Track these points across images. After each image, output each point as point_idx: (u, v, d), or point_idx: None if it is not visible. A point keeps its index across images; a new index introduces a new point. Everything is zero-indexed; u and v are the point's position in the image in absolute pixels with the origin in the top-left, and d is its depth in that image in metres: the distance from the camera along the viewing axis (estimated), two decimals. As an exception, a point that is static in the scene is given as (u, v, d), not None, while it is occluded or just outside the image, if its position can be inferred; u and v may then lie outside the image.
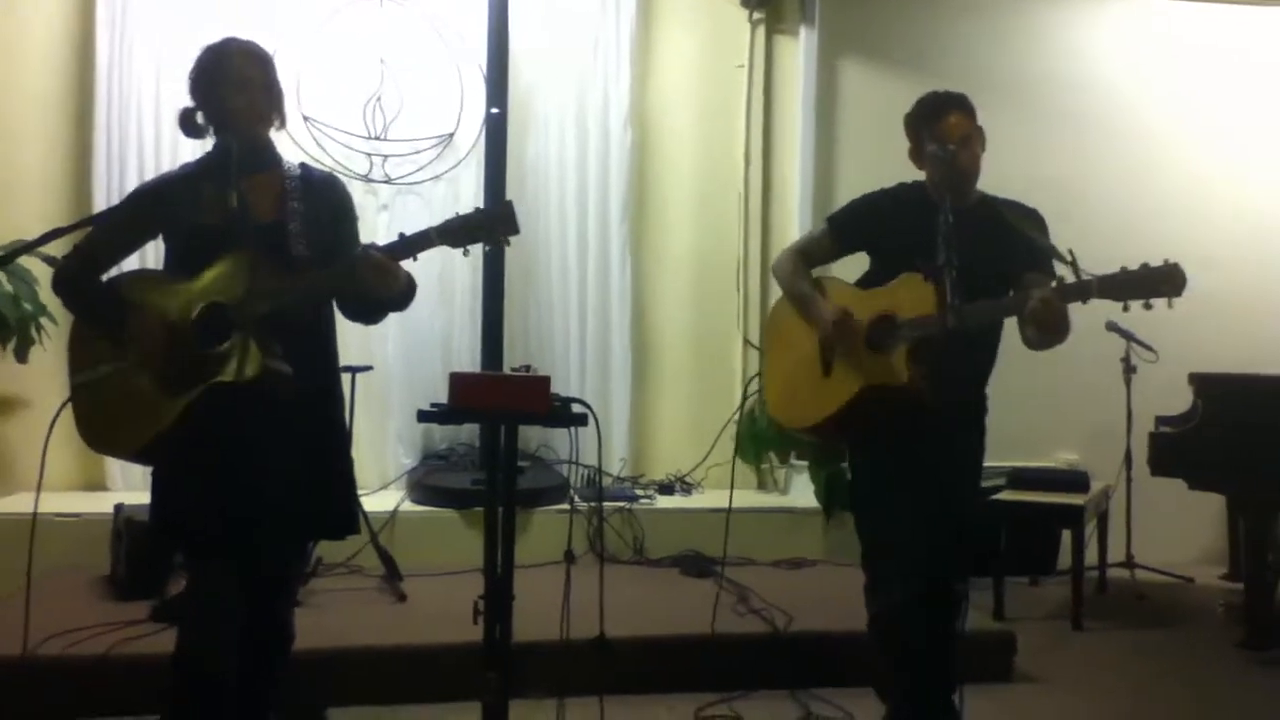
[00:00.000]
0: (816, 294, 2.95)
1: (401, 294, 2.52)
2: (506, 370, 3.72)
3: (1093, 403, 5.37)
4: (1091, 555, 4.86)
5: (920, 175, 2.89)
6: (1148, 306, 2.44)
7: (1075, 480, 4.75)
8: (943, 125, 2.76)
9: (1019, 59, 5.74)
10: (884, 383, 2.73)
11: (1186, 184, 5.76)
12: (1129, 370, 5.07)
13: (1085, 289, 2.49)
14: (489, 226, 2.39)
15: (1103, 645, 4.29)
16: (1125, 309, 2.47)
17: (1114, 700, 3.69)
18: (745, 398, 3.86)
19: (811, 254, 3.07)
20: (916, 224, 2.78)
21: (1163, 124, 5.85)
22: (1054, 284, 2.56)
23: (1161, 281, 2.42)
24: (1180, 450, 4.55)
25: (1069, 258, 2.52)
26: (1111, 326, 4.94)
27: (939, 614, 2.76)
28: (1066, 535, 4.60)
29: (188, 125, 2.52)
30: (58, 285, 2.56)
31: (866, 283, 2.95)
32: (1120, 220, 5.44)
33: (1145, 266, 2.44)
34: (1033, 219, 2.83)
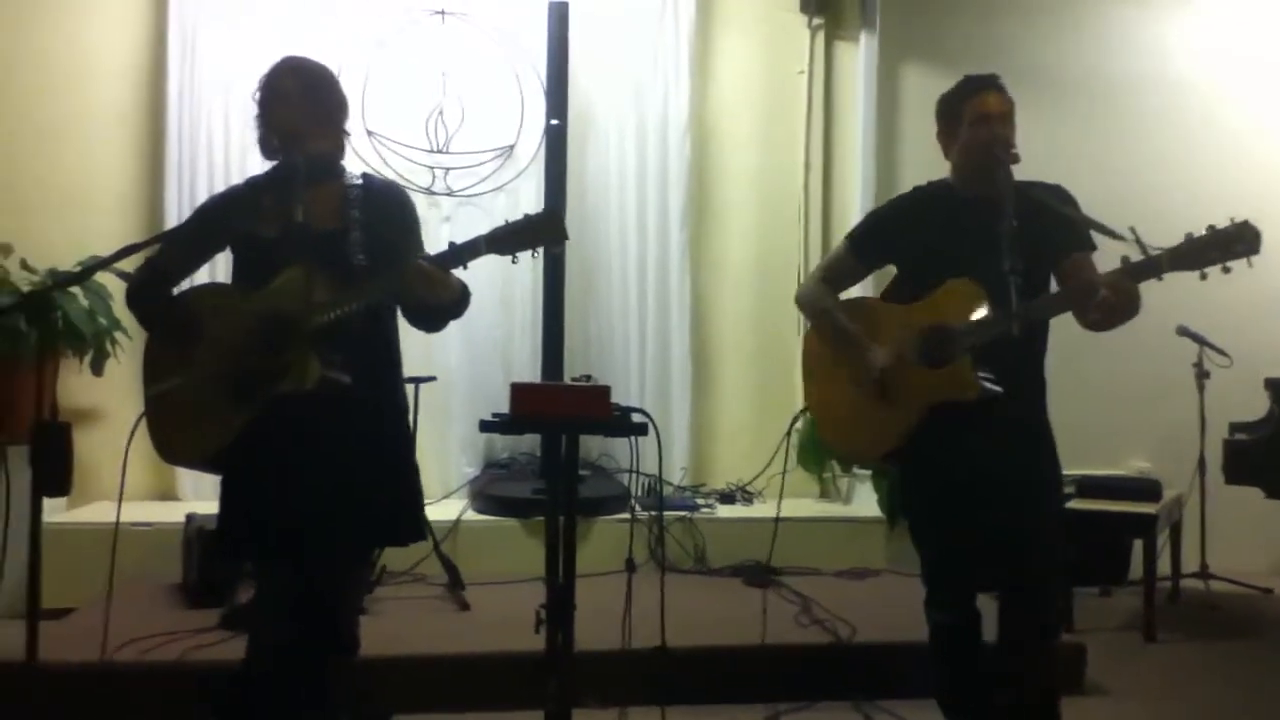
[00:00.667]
0: (853, 329, 2.82)
1: (454, 301, 2.54)
2: (567, 380, 3.74)
3: (1164, 409, 5.26)
4: (1164, 565, 4.76)
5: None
6: (1226, 270, 2.34)
7: (1146, 488, 4.63)
8: (980, 101, 2.69)
9: (1085, 60, 5.64)
10: (952, 398, 2.62)
11: (1266, 184, 5.58)
12: (1202, 375, 4.93)
13: (1155, 265, 2.39)
14: (537, 233, 2.39)
15: (1176, 657, 4.20)
16: (1203, 278, 2.36)
17: (1188, 713, 3.61)
18: (795, 419, 3.82)
19: (837, 277, 2.96)
20: (942, 224, 2.73)
21: (1240, 123, 5.70)
22: (1121, 265, 2.44)
23: (1234, 241, 2.31)
24: (1256, 457, 4.45)
25: (1131, 235, 2.41)
26: (1183, 331, 4.84)
27: (1016, 622, 2.71)
28: (1138, 545, 4.50)
29: (263, 147, 2.58)
30: (130, 299, 2.63)
31: (897, 293, 2.84)
32: (1197, 221, 5.30)
33: (1212, 229, 2.34)
34: (1061, 195, 2.74)
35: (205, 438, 2.47)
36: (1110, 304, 2.44)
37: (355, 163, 2.69)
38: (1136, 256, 2.43)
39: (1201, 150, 5.64)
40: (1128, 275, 2.43)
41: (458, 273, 2.46)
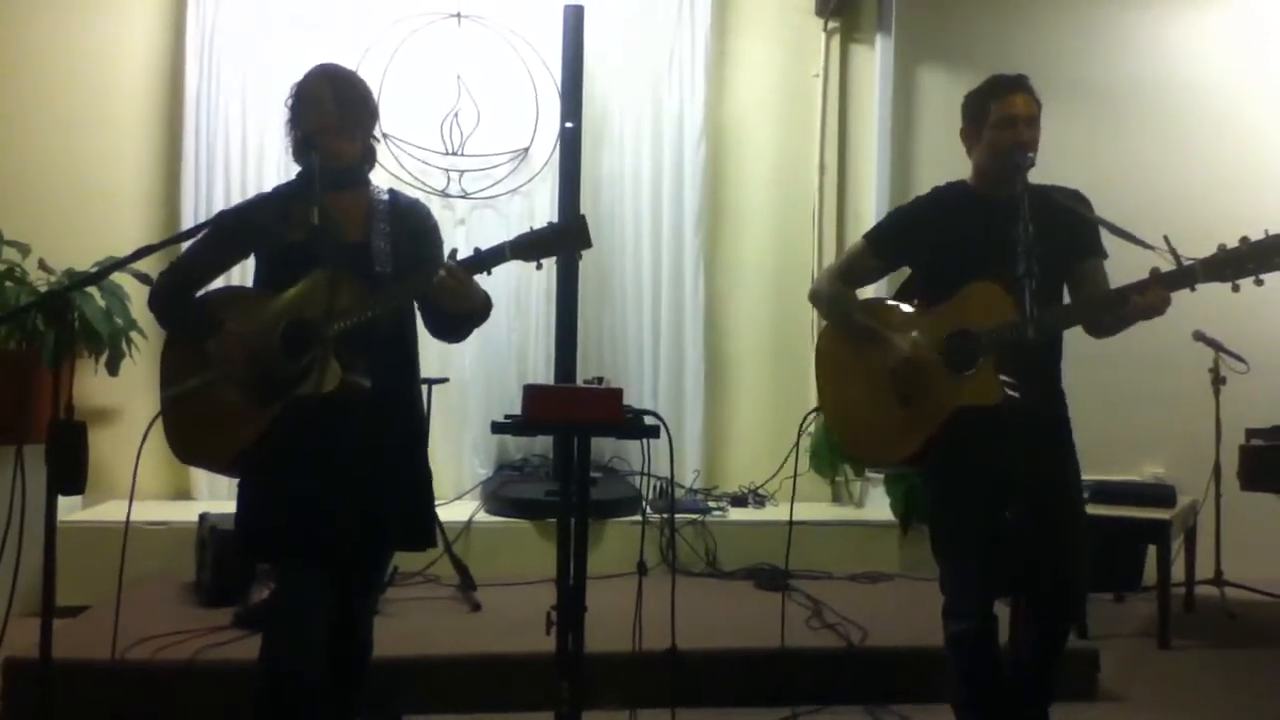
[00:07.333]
0: (874, 325, 2.80)
1: (478, 310, 2.56)
2: (580, 382, 3.74)
3: (1180, 415, 5.23)
4: (1178, 572, 4.72)
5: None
6: (1259, 283, 2.34)
7: (1161, 494, 4.61)
8: (1008, 103, 2.67)
9: (1105, 62, 5.62)
10: (975, 403, 2.60)
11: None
12: (1218, 381, 4.90)
13: (1189, 275, 2.38)
14: (562, 241, 2.40)
15: (1191, 664, 4.17)
16: (1235, 289, 2.36)
17: (1202, 722, 3.59)
18: (806, 418, 3.79)
19: (854, 275, 2.94)
20: (960, 225, 2.71)
21: (1267, 124, 5.67)
22: (1151, 275, 2.44)
23: (1274, 254, 2.30)
24: (1273, 463, 4.41)
25: (1164, 245, 2.41)
26: (1199, 336, 4.81)
27: (1046, 626, 2.70)
28: (1152, 551, 4.48)
29: (295, 150, 2.58)
30: (153, 303, 2.64)
31: (911, 293, 2.84)
32: (1217, 223, 5.23)
33: (1246, 240, 2.33)
34: (1079, 199, 2.73)
35: (224, 440, 2.48)
36: (1146, 312, 2.45)
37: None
38: (1167, 266, 2.42)
39: (1230, 152, 5.61)
40: (1163, 284, 2.42)
41: (479, 280, 2.47)
